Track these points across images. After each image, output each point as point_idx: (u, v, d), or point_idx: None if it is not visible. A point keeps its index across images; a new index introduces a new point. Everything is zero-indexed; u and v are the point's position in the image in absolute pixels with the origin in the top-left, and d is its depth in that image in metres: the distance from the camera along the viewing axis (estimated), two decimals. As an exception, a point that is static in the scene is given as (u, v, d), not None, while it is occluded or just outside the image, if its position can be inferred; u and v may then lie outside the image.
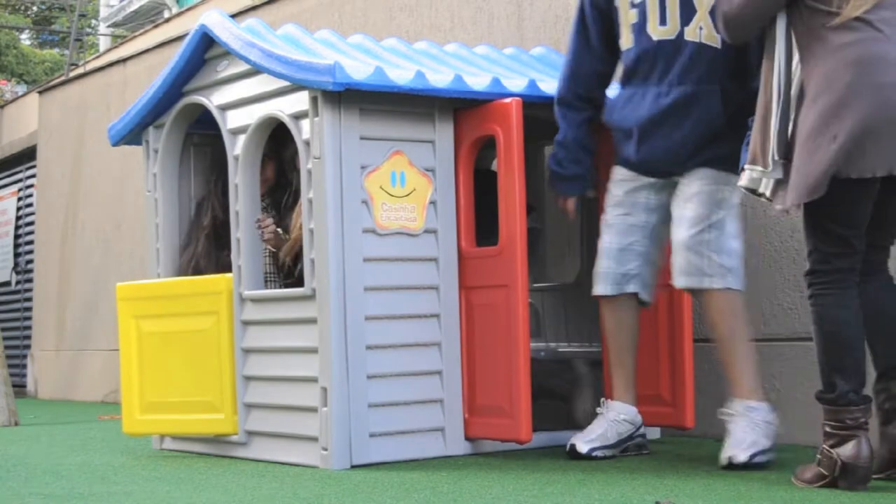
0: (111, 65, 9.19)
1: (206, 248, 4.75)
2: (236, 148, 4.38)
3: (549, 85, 4.31)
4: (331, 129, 3.96)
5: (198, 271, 4.72)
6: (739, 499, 3.11)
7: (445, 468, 3.87)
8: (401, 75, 4.05)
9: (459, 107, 4.18)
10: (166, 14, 18.84)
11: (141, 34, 11.60)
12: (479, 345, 4.12)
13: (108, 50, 13.55)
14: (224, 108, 4.45)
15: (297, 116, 4.08)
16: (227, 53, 4.39)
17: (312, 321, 4.00)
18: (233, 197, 4.40)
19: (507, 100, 4.06)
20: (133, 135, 4.87)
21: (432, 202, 4.15)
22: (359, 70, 3.96)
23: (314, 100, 3.96)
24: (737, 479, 3.45)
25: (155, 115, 4.79)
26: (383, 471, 3.84)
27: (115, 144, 4.98)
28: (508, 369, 3.99)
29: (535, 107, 4.22)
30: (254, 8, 7.54)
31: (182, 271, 4.77)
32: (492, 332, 4.06)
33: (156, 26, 11.55)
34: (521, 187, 4.00)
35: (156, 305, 4.65)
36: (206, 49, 4.53)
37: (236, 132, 4.39)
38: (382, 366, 4.02)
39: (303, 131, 4.04)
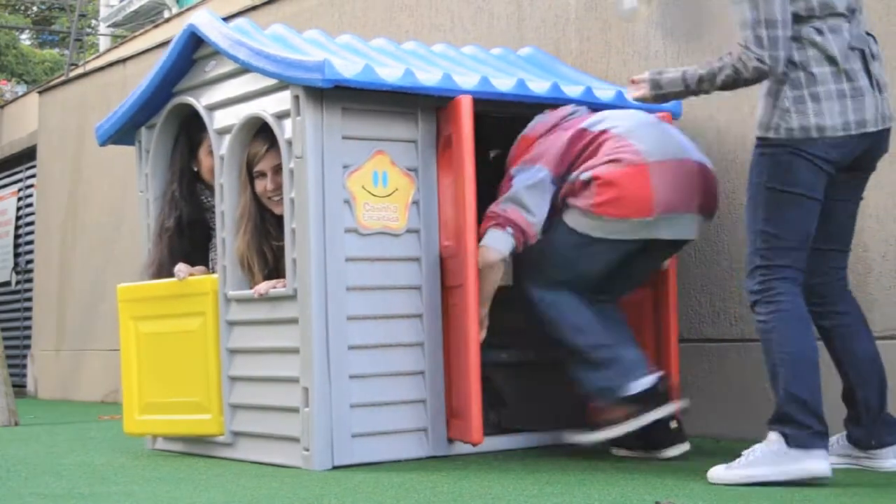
0: (111, 65, 9.20)
1: (171, 251, 4.62)
2: (222, 148, 4.38)
3: (537, 84, 4.30)
4: (313, 128, 3.94)
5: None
6: (739, 499, 3.09)
7: (445, 468, 3.86)
8: (390, 73, 4.04)
9: (441, 106, 4.16)
10: (166, 14, 18.81)
11: (141, 34, 11.60)
12: (452, 345, 4.09)
13: (108, 50, 13.55)
14: (211, 108, 4.44)
15: (280, 116, 4.07)
16: (216, 53, 4.38)
17: (295, 321, 3.99)
18: (218, 197, 4.40)
19: (458, 97, 4.04)
20: (120, 134, 4.87)
21: (415, 202, 4.13)
22: (348, 67, 3.94)
23: (296, 99, 3.95)
24: (737, 479, 3.45)
25: (146, 116, 4.79)
26: (383, 471, 3.83)
27: (103, 144, 4.98)
28: (465, 370, 3.98)
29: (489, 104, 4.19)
30: (253, 8, 7.54)
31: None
32: (456, 333, 4.05)
33: (156, 26, 11.54)
34: (471, 186, 3.97)
35: (151, 307, 4.65)
36: (194, 49, 4.52)
37: (222, 132, 4.39)
38: (364, 366, 4.00)
39: (285, 131, 4.03)
